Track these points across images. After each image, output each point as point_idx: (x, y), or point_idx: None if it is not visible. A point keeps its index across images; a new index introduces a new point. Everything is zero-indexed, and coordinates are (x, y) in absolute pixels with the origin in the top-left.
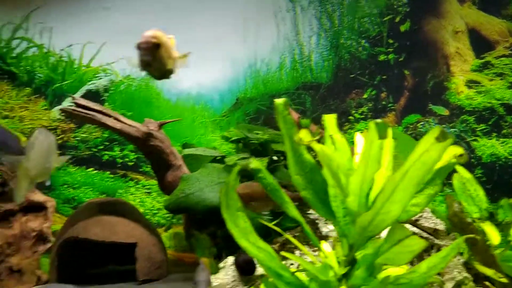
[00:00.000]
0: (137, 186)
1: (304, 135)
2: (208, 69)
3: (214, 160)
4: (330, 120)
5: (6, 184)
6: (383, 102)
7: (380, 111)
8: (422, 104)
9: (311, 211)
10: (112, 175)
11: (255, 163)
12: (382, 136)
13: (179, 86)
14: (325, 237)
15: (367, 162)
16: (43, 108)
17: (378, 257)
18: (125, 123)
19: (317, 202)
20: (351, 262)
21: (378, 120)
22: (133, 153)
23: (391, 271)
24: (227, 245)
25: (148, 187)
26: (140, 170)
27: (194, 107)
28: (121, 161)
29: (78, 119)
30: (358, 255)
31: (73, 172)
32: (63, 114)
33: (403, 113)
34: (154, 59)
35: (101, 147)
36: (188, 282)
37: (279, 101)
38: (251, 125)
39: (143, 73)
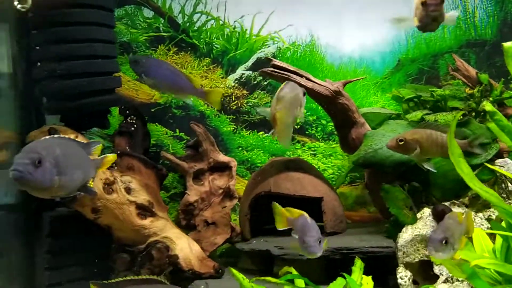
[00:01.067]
0: (303, 148)
1: None
2: (370, 31)
3: (389, 118)
4: None
5: (200, 145)
6: None
7: None
8: None
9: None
10: None
11: (489, 106)
12: None
13: (342, 50)
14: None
15: None
16: (220, 76)
17: None
18: (316, 83)
19: None
20: None
21: None
22: None
23: None
24: (413, 199)
25: (313, 149)
26: (306, 133)
27: (356, 71)
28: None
29: (275, 79)
30: None
31: (246, 135)
32: (262, 75)
33: None
34: (440, 14)
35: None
36: (374, 235)
37: (508, 44)
38: (417, 85)
39: (308, 39)
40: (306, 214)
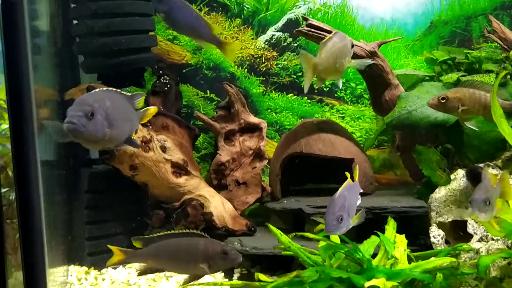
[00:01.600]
0: (331, 110)
1: None
2: None
3: (422, 80)
4: None
5: (231, 106)
6: None
7: None
8: None
9: None
10: (309, 100)
11: None
12: None
13: (373, 11)
14: None
15: None
16: (251, 37)
17: None
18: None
19: None
20: None
21: None
22: None
23: None
24: (447, 159)
25: (342, 111)
26: (335, 95)
27: (387, 32)
28: (317, 86)
29: (311, 39)
30: None
31: (275, 97)
32: (298, 34)
33: None
34: None
35: (300, 73)
36: (404, 196)
37: None
38: (450, 47)
39: (339, 0)
40: (347, 185)
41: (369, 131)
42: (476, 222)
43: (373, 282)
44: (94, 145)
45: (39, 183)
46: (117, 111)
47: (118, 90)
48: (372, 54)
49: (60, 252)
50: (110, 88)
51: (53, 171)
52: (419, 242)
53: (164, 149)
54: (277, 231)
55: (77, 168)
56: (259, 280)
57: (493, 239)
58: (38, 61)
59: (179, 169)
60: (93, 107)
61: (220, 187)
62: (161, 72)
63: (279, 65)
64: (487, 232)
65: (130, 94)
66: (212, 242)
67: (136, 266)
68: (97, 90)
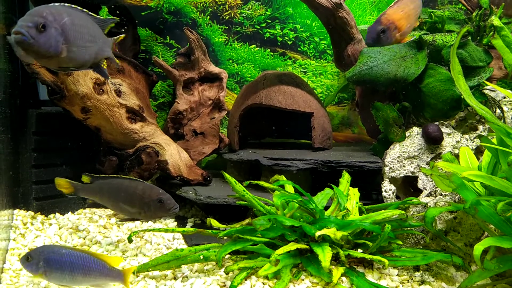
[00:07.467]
0: (294, 65)
1: None
2: None
3: None
4: None
5: (192, 53)
6: None
7: None
8: None
9: None
10: (272, 53)
11: (497, 21)
12: None
13: None
14: None
15: None
16: None
17: None
18: None
19: None
20: None
21: None
22: (293, 32)
23: None
24: (403, 117)
25: (304, 66)
26: (298, 49)
27: None
28: (281, 39)
29: None
30: None
31: (237, 48)
32: None
33: None
34: None
35: (264, 24)
36: (360, 152)
37: None
38: None
39: None
40: None
41: (330, 88)
42: (427, 177)
43: (324, 231)
44: (49, 62)
45: None
46: (78, 29)
47: (84, 10)
48: (337, 6)
49: (3, 194)
50: (73, 6)
51: None
52: (372, 197)
53: (119, 93)
54: (232, 179)
55: (25, 109)
56: (211, 226)
57: (441, 194)
58: None
59: (134, 114)
60: (46, 19)
61: (177, 137)
62: (117, 12)
63: (243, 14)
64: (436, 188)
65: (99, 17)
66: (150, 189)
67: (86, 212)
68: (56, 4)
